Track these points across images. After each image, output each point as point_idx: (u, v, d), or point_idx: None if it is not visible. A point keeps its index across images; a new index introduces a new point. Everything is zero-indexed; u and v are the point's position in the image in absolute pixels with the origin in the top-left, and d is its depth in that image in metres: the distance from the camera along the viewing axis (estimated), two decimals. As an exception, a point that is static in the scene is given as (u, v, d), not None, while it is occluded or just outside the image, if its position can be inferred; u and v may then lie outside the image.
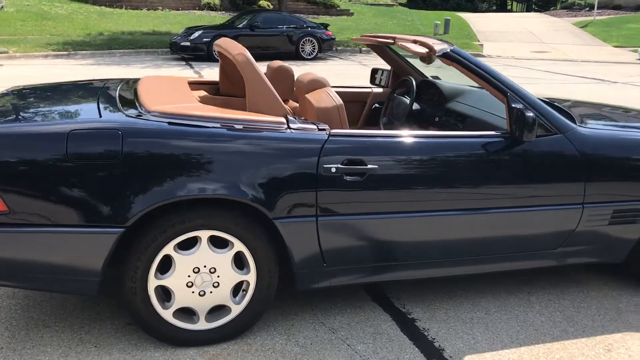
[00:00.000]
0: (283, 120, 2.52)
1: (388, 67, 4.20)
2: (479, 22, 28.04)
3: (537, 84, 11.79)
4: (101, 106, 2.54)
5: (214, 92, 3.58)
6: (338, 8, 29.32)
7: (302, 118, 2.85)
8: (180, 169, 2.29)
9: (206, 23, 20.74)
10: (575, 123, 2.91)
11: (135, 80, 3.18)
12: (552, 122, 2.79)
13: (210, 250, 2.42)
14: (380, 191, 2.53)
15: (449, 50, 2.81)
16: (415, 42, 3.06)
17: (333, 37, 15.95)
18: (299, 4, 29.10)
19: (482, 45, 21.20)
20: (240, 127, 2.42)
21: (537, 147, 2.73)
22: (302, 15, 28.00)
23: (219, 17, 23.37)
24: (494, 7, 44.91)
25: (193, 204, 2.38)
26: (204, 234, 2.40)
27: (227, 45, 2.93)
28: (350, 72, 12.75)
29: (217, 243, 2.46)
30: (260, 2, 28.14)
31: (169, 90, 2.82)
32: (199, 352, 2.48)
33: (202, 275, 2.43)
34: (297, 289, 2.62)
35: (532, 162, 2.71)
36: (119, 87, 2.97)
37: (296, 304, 2.91)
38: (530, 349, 2.59)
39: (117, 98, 2.69)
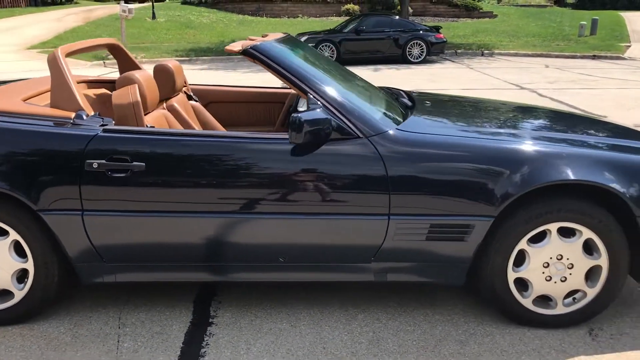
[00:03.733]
0: (71, 115, 2.61)
1: None
2: (641, 21, 25.32)
3: (650, 88, 10.43)
4: None
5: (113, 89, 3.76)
6: (481, 10, 28.26)
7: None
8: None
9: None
10: (393, 125, 2.63)
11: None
12: (356, 125, 2.56)
13: (-14, 237, 2.59)
14: (148, 190, 2.51)
15: (248, 48, 2.69)
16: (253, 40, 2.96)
17: (444, 40, 15.43)
18: (439, 7, 28.56)
19: (629, 46, 19.17)
20: (19, 121, 2.56)
21: (332, 150, 2.53)
22: (442, 18, 27.51)
23: (351, 23, 23.70)
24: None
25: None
26: (-21, 222, 2.57)
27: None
28: (446, 75, 12.27)
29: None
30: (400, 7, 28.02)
31: (25, 88, 3.04)
32: (-18, 331, 2.66)
33: (-19, 260, 2.60)
34: (82, 282, 2.70)
35: (325, 165, 2.51)
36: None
37: (111, 296, 2.97)
38: (293, 366, 2.42)
39: None
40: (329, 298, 2.98)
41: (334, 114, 2.57)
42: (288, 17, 27.08)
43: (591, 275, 2.67)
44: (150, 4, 24.48)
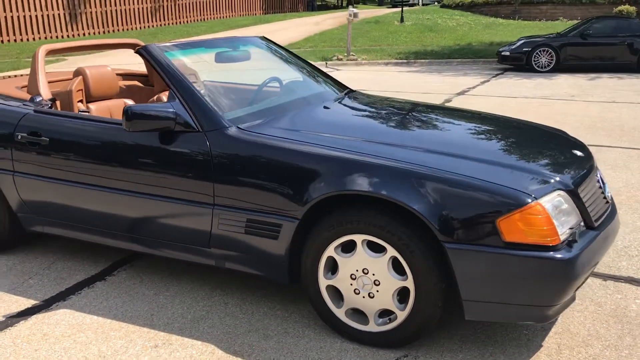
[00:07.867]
0: (28, 97, 3.38)
1: None
2: None
3: None
4: None
5: (146, 82, 4.46)
6: None
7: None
8: None
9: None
10: (237, 124, 2.79)
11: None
12: (198, 119, 2.80)
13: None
14: (52, 160, 3.13)
15: (139, 48, 3.08)
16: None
17: (698, 46, 13.09)
18: None
19: None
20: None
21: (171, 140, 2.82)
22: None
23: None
24: None
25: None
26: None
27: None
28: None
29: None
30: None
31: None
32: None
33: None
34: (24, 229, 3.43)
35: (159, 152, 2.83)
36: None
37: (69, 247, 3.66)
38: (107, 322, 2.80)
39: None
40: (213, 281, 3.24)
41: (185, 107, 2.85)
42: (545, 20, 25.53)
43: (407, 297, 2.49)
44: (414, 6, 25.27)
